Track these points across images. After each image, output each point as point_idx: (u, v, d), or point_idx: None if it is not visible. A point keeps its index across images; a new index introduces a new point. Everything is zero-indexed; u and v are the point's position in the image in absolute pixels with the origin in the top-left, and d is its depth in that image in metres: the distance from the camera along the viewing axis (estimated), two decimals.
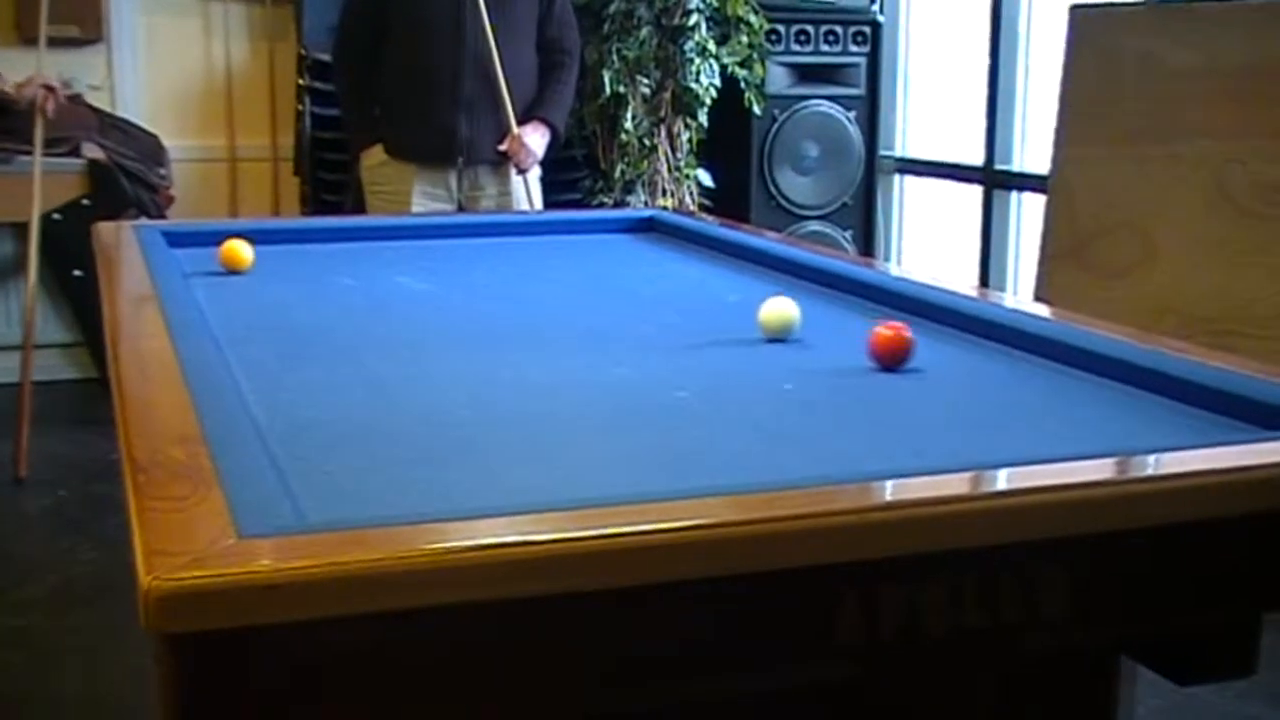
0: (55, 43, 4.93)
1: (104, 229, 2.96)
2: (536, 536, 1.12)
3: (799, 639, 1.21)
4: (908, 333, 1.91)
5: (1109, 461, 1.37)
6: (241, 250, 2.66)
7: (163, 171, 5.28)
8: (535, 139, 4.11)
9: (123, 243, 2.77)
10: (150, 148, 5.28)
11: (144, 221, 3.89)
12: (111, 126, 5.24)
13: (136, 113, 5.44)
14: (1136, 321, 2.34)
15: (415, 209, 4.05)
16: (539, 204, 4.23)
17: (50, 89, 4.70)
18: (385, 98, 4.14)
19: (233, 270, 2.64)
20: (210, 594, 1.01)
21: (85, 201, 5.01)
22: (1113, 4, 4.12)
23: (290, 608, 1.04)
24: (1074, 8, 4.04)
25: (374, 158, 4.15)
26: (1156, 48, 3.76)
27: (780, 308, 2.08)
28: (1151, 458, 1.39)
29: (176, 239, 2.85)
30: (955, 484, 1.29)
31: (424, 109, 4.05)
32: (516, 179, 4.15)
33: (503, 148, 4.07)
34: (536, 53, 4.18)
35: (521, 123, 4.09)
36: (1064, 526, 1.28)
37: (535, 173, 4.22)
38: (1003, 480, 1.33)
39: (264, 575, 1.04)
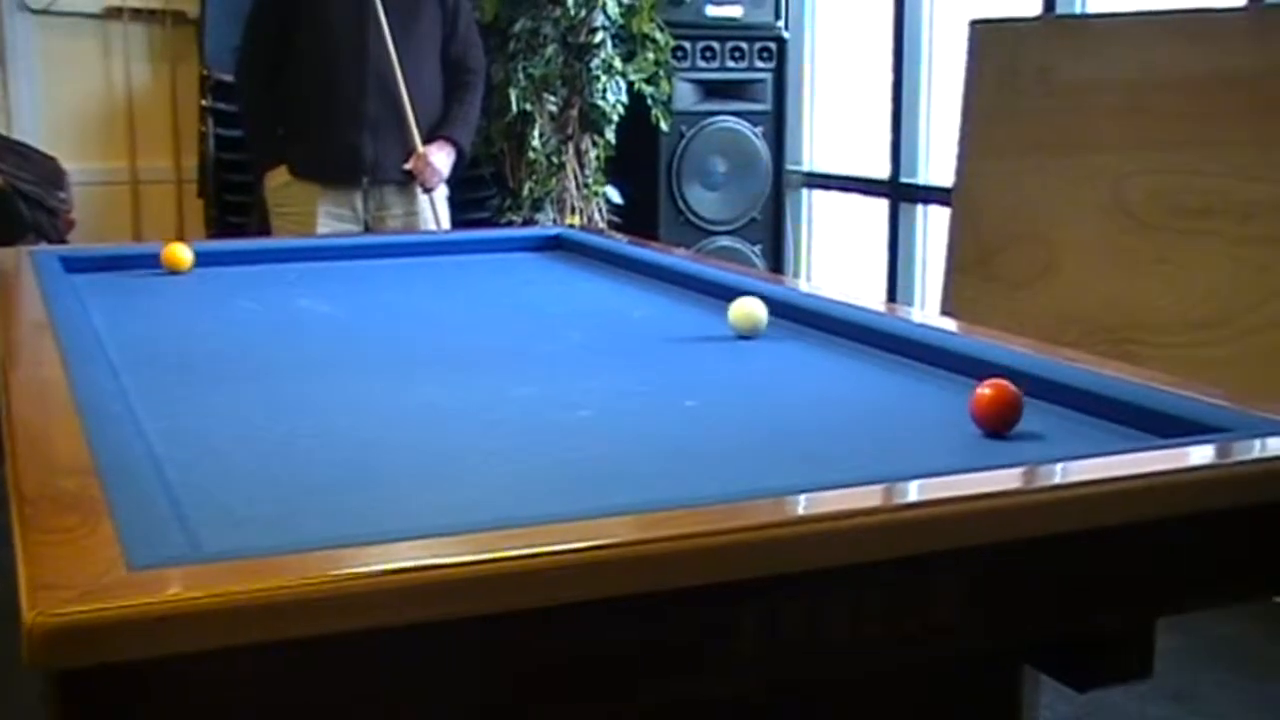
0: None
1: None
2: (436, 561, 1.11)
3: (700, 654, 1.20)
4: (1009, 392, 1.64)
5: (1009, 473, 1.38)
6: (181, 252, 2.85)
7: (62, 195, 5.18)
8: (441, 158, 4.09)
9: (19, 269, 2.71)
10: (49, 171, 5.18)
11: (42, 246, 3.81)
12: (7, 150, 5.14)
13: (34, 135, 5.33)
14: (1039, 332, 2.37)
15: (321, 230, 4.00)
16: (446, 223, 4.21)
17: None
18: (289, 118, 4.10)
19: (173, 270, 2.83)
20: (97, 628, 0.99)
21: None
22: (1011, 18, 4.18)
23: (183, 640, 1.02)
24: (974, 22, 4.10)
25: (278, 179, 4.10)
26: (1053, 61, 3.83)
27: (748, 307, 2.20)
28: (1052, 468, 1.41)
29: (74, 264, 2.81)
30: (856, 499, 1.29)
31: (328, 129, 4.01)
32: (423, 198, 4.12)
33: (408, 167, 4.05)
34: (442, 72, 4.16)
35: (427, 142, 4.06)
36: (965, 538, 1.29)
37: (442, 192, 4.20)
38: (905, 494, 1.33)
39: (154, 608, 1.01)
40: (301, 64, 4.02)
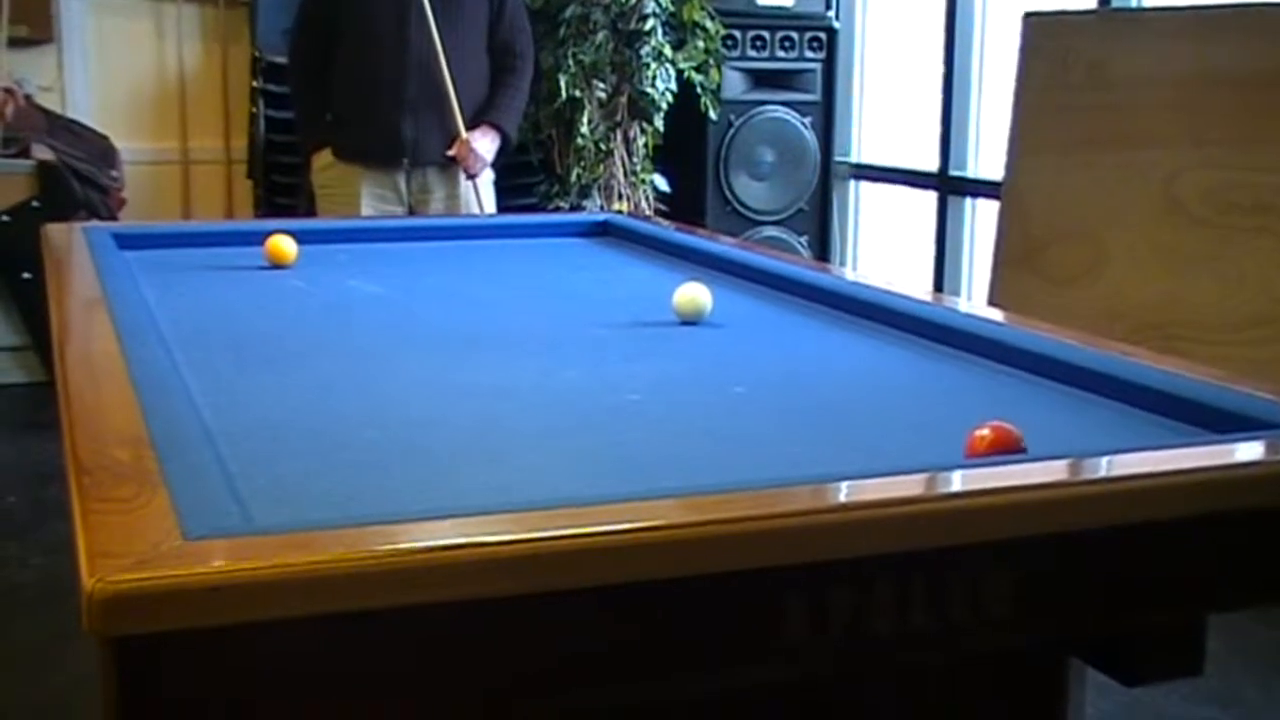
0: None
1: (53, 231, 2.93)
2: (485, 539, 1.11)
3: (748, 640, 1.20)
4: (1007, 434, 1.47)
5: (1058, 464, 1.38)
6: (285, 245, 2.74)
7: (114, 173, 5.24)
8: (484, 144, 4.09)
9: (72, 245, 2.74)
10: (101, 149, 5.24)
11: (94, 223, 3.85)
12: (61, 128, 5.20)
13: (87, 114, 5.39)
14: (1087, 327, 2.35)
15: (365, 211, 4.02)
16: (491, 208, 4.21)
17: (10, 92, 4.67)
18: (335, 101, 4.12)
19: (277, 265, 2.72)
20: (154, 596, 1.00)
21: (35, 203, 4.97)
22: (1065, 11, 4.15)
23: (236, 610, 1.03)
24: (1027, 14, 4.07)
25: (323, 160, 4.13)
26: (1107, 55, 3.80)
27: (691, 293, 2.22)
28: (1101, 460, 1.40)
29: (126, 241, 2.83)
30: (905, 486, 1.29)
31: (369, 111, 4.03)
32: (465, 183, 4.13)
33: (451, 153, 4.05)
34: (488, 56, 4.17)
35: (471, 127, 4.07)
36: (1013, 528, 1.28)
37: (488, 176, 4.20)
38: (952, 482, 1.33)
39: (209, 577, 1.02)
40: (347, 48, 4.05)
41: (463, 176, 4.12)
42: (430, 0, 3.94)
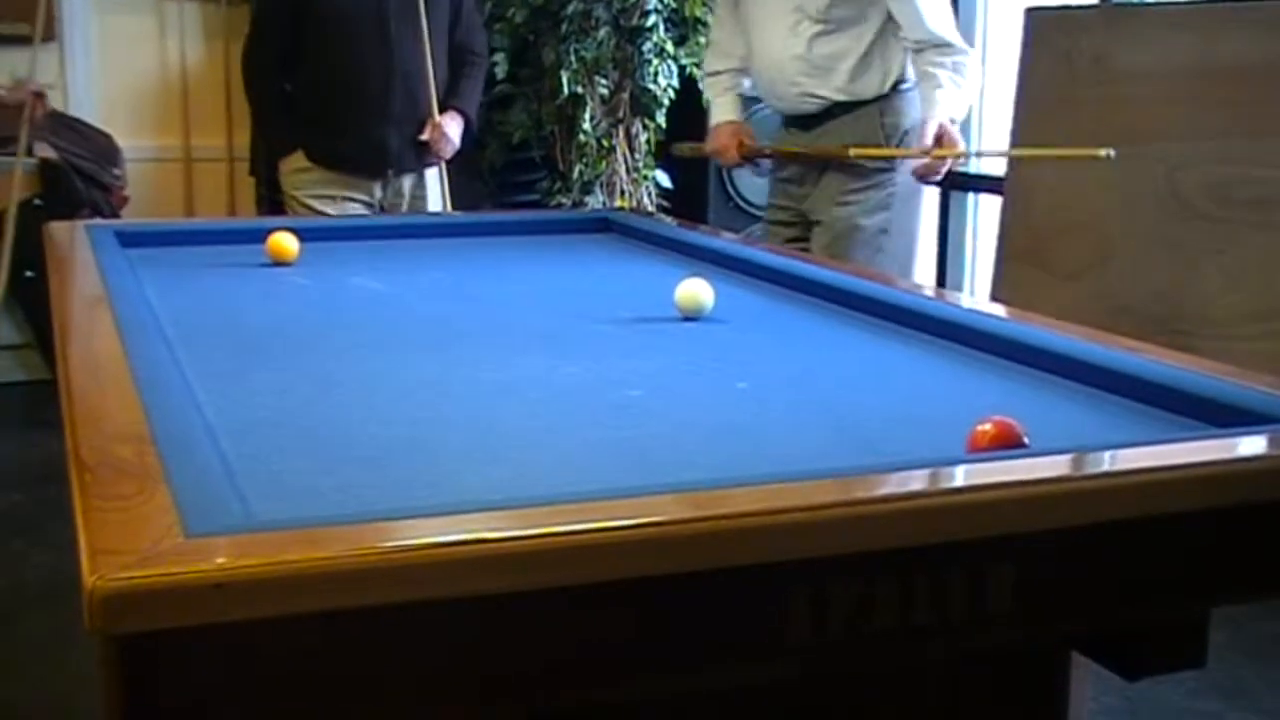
0: (6, 40, 4.89)
1: (56, 229, 2.93)
2: (486, 535, 1.11)
3: (749, 637, 1.20)
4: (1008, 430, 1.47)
5: (1060, 458, 1.37)
6: (286, 242, 2.73)
7: (117, 171, 5.24)
8: (454, 128, 4.11)
9: (75, 243, 2.74)
10: (104, 147, 5.24)
11: (96, 221, 3.85)
12: (64, 126, 5.19)
13: (90, 112, 5.39)
14: (1091, 322, 2.35)
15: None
16: (448, 202, 4.23)
17: (40, 96, 4.71)
18: (308, 106, 4.07)
19: (279, 262, 2.72)
20: (155, 594, 1.00)
21: (38, 202, 4.97)
22: (1068, 6, 4.15)
23: (238, 607, 1.03)
24: (1030, 9, 4.06)
25: (294, 164, 4.08)
26: (1110, 50, 3.79)
27: (693, 289, 2.22)
28: (1103, 454, 1.39)
29: (129, 239, 2.83)
30: (908, 481, 1.29)
31: (353, 122, 4.01)
32: (430, 173, 4.15)
33: (424, 138, 4.05)
34: (447, 54, 4.18)
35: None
36: (1016, 523, 1.28)
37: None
38: (955, 477, 1.33)
39: (211, 574, 1.02)
40: (319, 55, 3.99)
41: (429, 172, 4.14)
42: (405, 4, 3.93)
